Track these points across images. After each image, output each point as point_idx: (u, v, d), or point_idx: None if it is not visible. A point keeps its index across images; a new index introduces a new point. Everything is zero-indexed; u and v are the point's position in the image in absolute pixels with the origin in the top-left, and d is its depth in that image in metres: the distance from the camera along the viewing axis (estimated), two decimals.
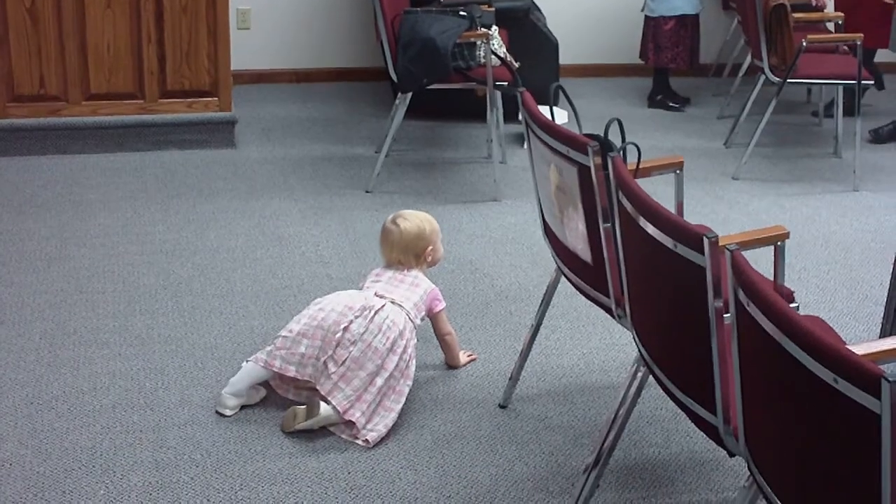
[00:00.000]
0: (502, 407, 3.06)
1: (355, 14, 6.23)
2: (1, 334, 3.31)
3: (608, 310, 2.59)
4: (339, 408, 2.83)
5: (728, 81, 6.21)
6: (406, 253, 3.12)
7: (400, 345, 2.93)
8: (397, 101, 4.70)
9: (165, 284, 3.68)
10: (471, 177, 4.87)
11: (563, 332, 3.50)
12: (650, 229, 2.15)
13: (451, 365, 3.24)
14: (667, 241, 2.09)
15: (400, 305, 2.99)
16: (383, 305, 2.95)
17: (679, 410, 2.58)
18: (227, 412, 2.92)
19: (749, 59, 5.61)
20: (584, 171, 2.43)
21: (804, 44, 4.77)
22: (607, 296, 2.54)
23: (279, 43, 6.15)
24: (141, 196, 4.45)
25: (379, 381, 2.88)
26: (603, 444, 2.57)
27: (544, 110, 2.81)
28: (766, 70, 4.98)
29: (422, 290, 3.09)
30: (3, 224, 4.12)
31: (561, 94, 2.96)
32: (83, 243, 3.98)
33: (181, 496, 2.62)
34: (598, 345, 3.44)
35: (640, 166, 2.74)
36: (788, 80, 4.88)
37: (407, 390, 2.94)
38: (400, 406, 2.92)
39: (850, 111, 5.10)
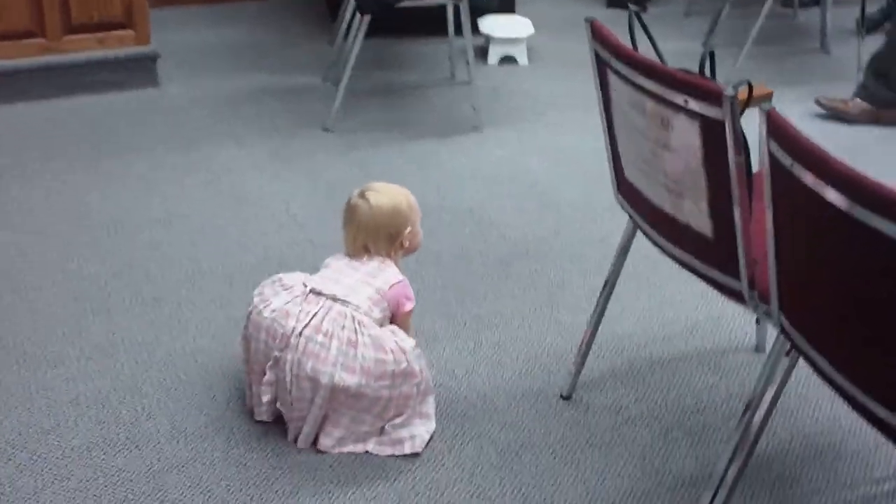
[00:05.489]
0: (565, 398, 2.53)
1: None
2: None
3: (731, 292, 2.05)
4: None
5: None
6: (377, 235, 2.38)
7: (357, 360, 2.24)
8: (354, 24, 4.05)
9: (116, 271, 3.01)
10: (440, 103, 4.25)
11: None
12: (832, 196, 1.61)
13: None
14: (857, 211, 1.56)
15: (344, 302, 2.28)
16: (310, 321, 2.24)
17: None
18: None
19: None
20: (711, 126, 1.86)
21: None
22: (733, 276, 1.99)
23: None
24: (60, 156, 3.71)
25: (367, 417, 2.30)
26: (727, 470, 2.05)
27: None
28: None
29: (381, 280, 2.33)
30: None
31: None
32: (1, 225, 3.26)
33: None
34: (647, 304, 2.91)
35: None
36: None
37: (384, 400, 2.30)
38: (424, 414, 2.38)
39: None
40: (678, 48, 4.81)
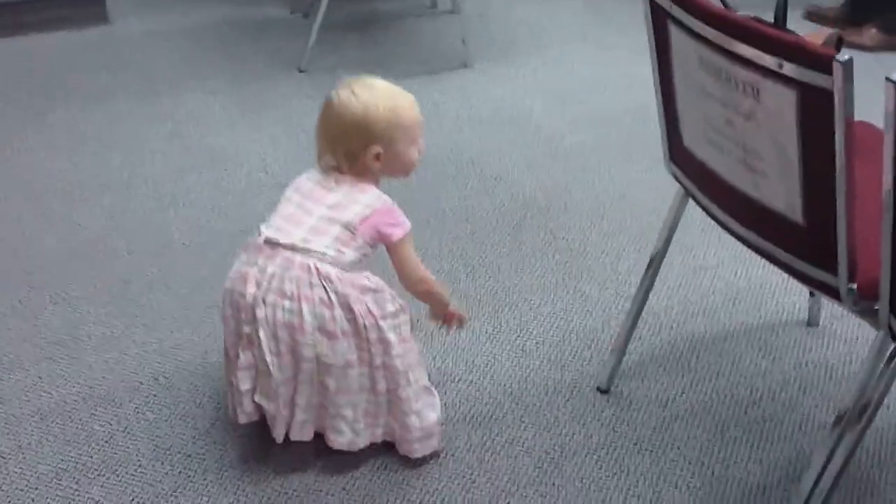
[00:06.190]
0: (603, 392, 2.22)
1: None
2: None
3: (822, 286, 1.73)
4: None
5: None
6: (334, 147, 1.91)
7: (330, 324, 1.85)
8: None
9: (77, 248, 2.64)
10: (424, 36, 3.86)
11: (629, 260, 2.64)
12: None
13: (443, 320, 2.12)
14: None
15: (305, 251, 1.85)
16: (270, 283, 1.83)
17: None
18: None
19: None
20: (814, 95, 1.52)
21: None
22: (828, 269, 1.67)
23: None
24: (1, 109, 3.30)
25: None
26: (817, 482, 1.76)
27: None
28: None
29: (351, 212, 1.87)
30: None
31: None
32: None
33: None
34: (681, 271, 2.60)
35: None
36: None
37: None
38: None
39: None
40: None
